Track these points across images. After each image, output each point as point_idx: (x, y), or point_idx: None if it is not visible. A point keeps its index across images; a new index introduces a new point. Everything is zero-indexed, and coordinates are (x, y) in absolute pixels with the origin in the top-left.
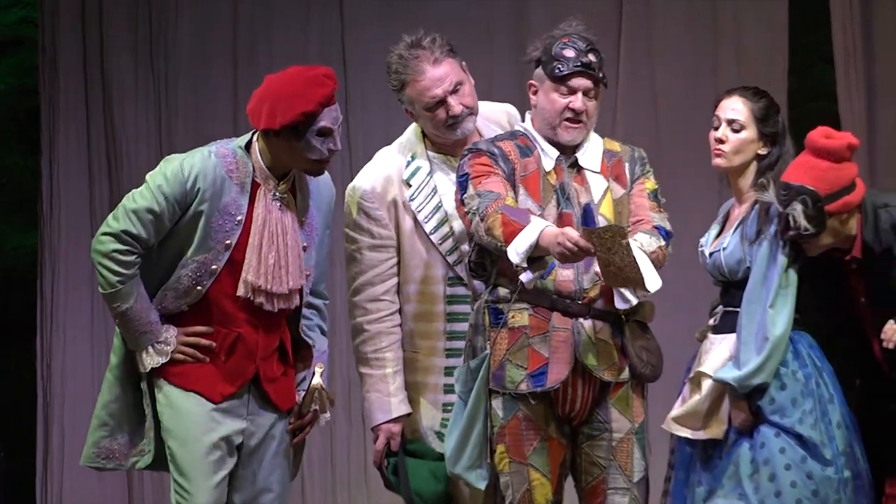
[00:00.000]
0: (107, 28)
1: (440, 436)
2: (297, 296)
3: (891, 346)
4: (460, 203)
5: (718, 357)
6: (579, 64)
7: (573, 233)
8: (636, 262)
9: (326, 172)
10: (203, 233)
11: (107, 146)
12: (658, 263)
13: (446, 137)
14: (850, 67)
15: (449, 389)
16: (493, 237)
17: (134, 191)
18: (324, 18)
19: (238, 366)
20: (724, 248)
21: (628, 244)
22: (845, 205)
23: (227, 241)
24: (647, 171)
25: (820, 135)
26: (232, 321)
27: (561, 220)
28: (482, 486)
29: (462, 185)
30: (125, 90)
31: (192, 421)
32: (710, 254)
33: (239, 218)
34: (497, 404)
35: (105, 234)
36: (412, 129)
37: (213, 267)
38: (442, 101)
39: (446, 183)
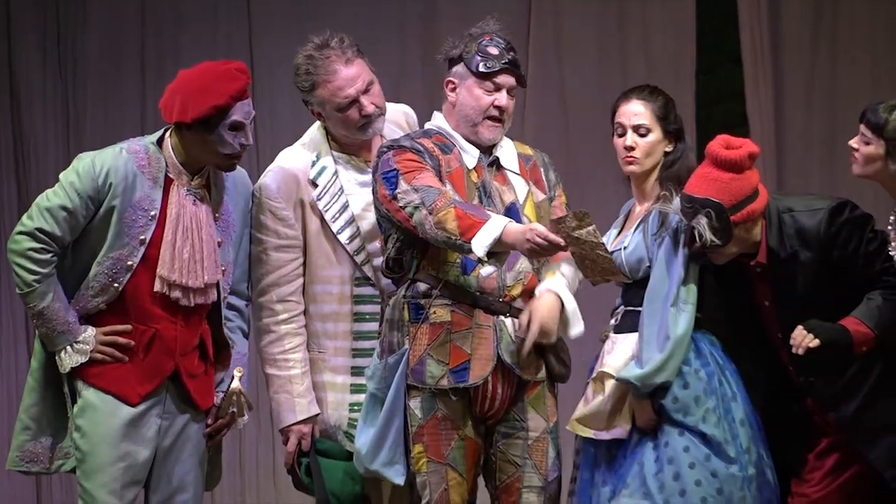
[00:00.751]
0: (14, 28)
1: (348, 436)
2: (214, 290)
3: (800, 351)
4: (391, 198)
5: (620, 356)
6: (506, 61)
7: (541, 227)
8: (605, 245)
9: (243, 170)
10: (116, 229)
11: (14, 146)
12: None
13: (355, 138)
14: (757, 67)
15: (356, 389)
16: (446, 231)
17: (47, 190)
18: (231, 22)
19: (156, 362)
20: (624, 248)
21: (595, 229)
22: (750, 213)
23: (142, 237)
24: (559, 181)
25: (720, 145)
26: (150, 318)
27: None
28: (401, 481)
29: (391, 181)
30: (33, 90)
31: (106, 426)
32: (613, 252)
33: (153, 213)
34: (415, 404)
35: (20, 233)
36: (315, 129)
37: (129, 263)
38: (355, 101)
39: (352, 183)
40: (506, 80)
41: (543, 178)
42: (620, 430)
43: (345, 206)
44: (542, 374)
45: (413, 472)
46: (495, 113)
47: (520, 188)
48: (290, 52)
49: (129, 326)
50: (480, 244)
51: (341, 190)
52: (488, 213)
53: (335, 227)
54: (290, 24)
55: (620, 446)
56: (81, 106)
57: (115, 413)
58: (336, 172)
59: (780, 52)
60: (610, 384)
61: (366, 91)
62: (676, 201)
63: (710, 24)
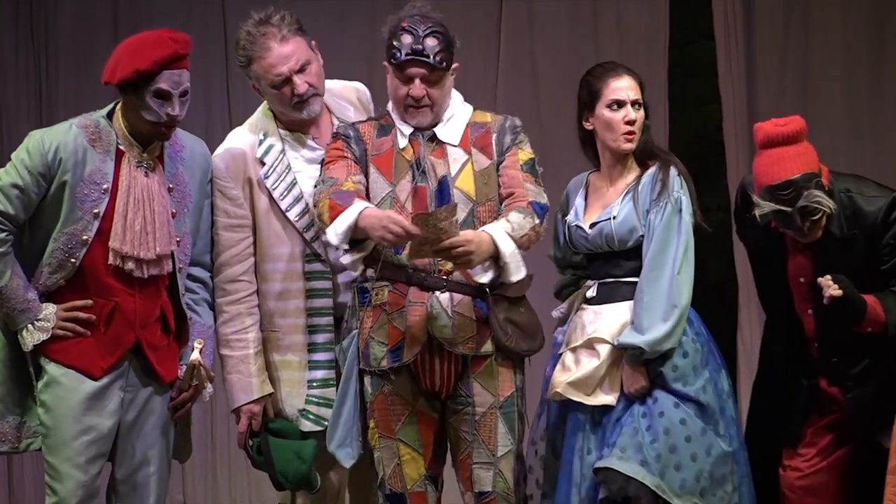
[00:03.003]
0: None
1: (305, 413)
2: (169, 261)
3: (833, 292)
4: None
5: (613, 324)
6: (410, 52)
7: (399, 217)
8: (458, 233)
9: (201, 141)
10: (69, 204)
11: None
12: (530, 242)
13: (292, 116)
14: (730, 43)
15: (314, 366)
16: (322, 221)
17: None
18: None
19: (117, 335)
20: (613, 217)
21: (457, 220)
22: (827, 177)
23: (95, 211)
24: (520, 141)
25: (775, 125)
26: (108, 291)
27: (416, 195)
28: (348, 464)
29: (320, 172)
30: (5, 67)
31: (69, 400)
32: (593, 224)
33: (105, 186)
34: (367, 381)
35: None
36: (262, 108)
37: (84, 237)
38: (287, 80)
39: (299, 160)
40: (414, 70)
41: (493, 142)
42: (612, 398)
43: (292, 184)
44: (488, 347)
45: (371, 449)
46: (411, 102)
47: (456, 160)
48: None
49: (89, 301)
50: (335, 232)
51: (288, 168)
52: (356, 200)
53: (283, 205)
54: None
55: (605, 413)
56: (54, 79)
57: (78, 387)
58: (283, 150)
59: (752, 28)
60: (605, 349)
61: (300, 70)
62: (759, 200)
63: (682, 0)
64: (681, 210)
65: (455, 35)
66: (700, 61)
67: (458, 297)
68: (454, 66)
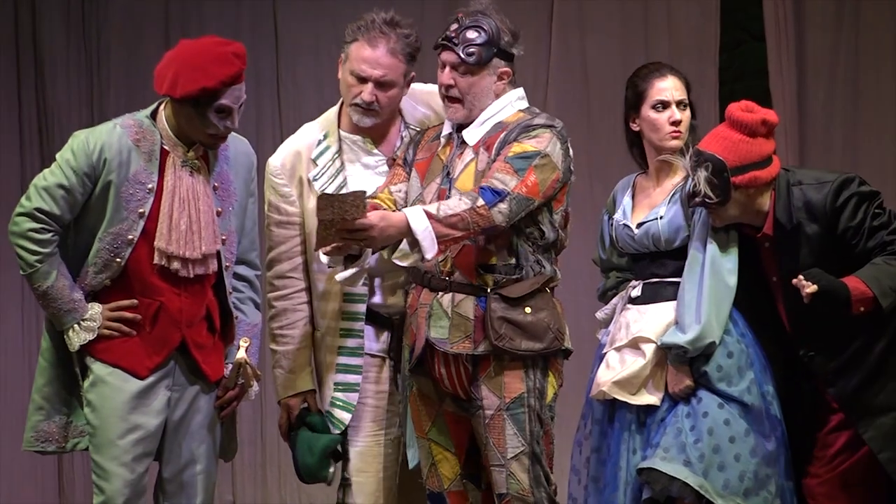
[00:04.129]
0: (39, 1)
1: (329, 415)
2: (214, 260)
3: (808, 290)
4: None
5: (658, 323)
6: (444, 37)
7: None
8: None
9: (244, 140)
10: (115, 204)
11: (38, 118)
12: (468, 224)
13: (351, 120)
14: (781, 44)
15: (342, 369)
16: None
17: (45, 170)
18: None
19: (163, 334)
20: (660, 217)
21: (364, 206)
22: (752, 179)
23: (140, 210)
24: (524, 136)
25: (739, 107)
26: (153, 291)
27: (440, 198)
28: (412, 464)
29: None
30: (57, 62)
31: (115, 399)
32: (640, 224)
33: (150, 186)
34: (406, 381)
35: (19, 214)
36: (335, 108)
37: (130, 237)
38: (364, 80)
39: (356, 164)
40: (444, 57)
41: (499, 140)
42: (657, 397)
43: (340, 187)
44: (485, 347)
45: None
46: (442, 91)
47: (465, 160)
48: (313, 22)
49: (134, 301)
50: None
51: (339, 171)
52: None
53: None
54: None
55: (651, 413)
56: (105, 76)
57: (124, 386)
58: (339, 152)
59: (803, 28)
60: (650, 349)
61: (380, 84)
62: (688, 157)
63: (733, 1)
64: None
65: (509, 39)
66: (751, 62)
67: (459, 297)
68: (500, 69)
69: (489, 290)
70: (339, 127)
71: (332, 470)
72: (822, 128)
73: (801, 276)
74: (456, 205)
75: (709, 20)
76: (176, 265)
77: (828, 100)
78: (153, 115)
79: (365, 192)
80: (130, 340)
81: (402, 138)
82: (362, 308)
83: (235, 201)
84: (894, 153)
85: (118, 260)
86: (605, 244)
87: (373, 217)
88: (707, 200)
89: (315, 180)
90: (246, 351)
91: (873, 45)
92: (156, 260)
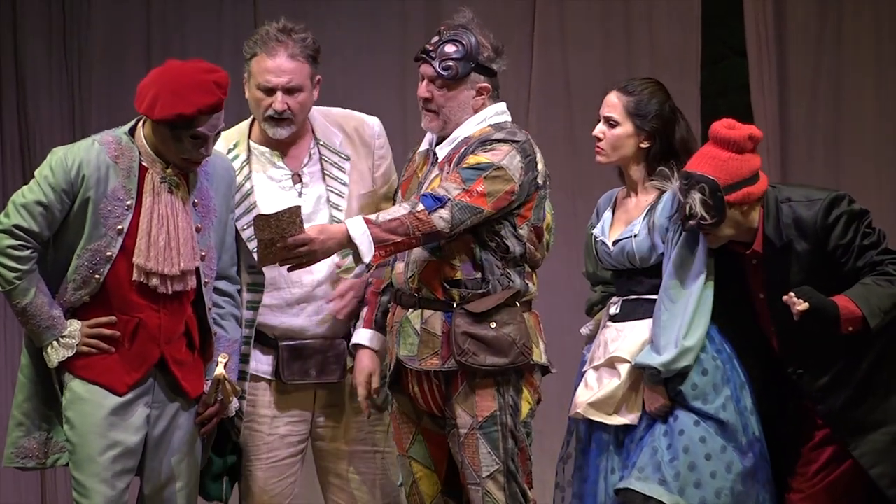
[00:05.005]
0: (20, 19)
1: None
2: (193, 277)
3: (798, 308)
4: None
5: (634, 342)
6: (422, 49)
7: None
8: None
9: (225, 155)
10: (93, 220)
11: (20, 137)
12: (408, 228)
13: (262, 131)
14: (762, 59)
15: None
16: None
17: (23, 187)
18: (237, 12)
19: (142, 351)
20: (634, 235)
21: (301, 221)
22: (745, 196)
23: (119, 227)
24: (480, 149)
25: (722, 125)
26: (132, 307)
27: None
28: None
29: None
30: (39, 81)
31: (94, 416)
32: (616, 242)
33: (129, 202)
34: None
35: None
36: (247, 121)
37: (108, 254)
38: (272, 91)
39: (262, 175)
40: (422, 69)
41: (458, 154)
42: (633, 417)
43: (248, 194)
44: (452, 363)
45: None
46: (420, 103)
47: (432, 175)
48: None
49: (113, 318)
50: None
51: (247, 177)
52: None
53: (235, 215)
54: (297, 14)
55: (628, 433)
56: (87, 94)
57: (103, 403)
58: (247, 161)
59: (784, 44)
60: (625, 368)
61: (288, 91)
62: (675, 180)
63: (715, 17)
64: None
65: (489, 54)
66: (733, 78)
67: (427, 313)
68: (479, 84)
69: (455, 306)
70: (249, 138)
71: (224, 488)
72: (804, 144)
73: (791, 294)
74: (396, 210)
75: (690, 36)
76: (154, 282)
77: (810, 116)
78: (132, 132)
79: (299, 207)
80: (109, 357)
81: (310, 154)
82: (254, 315)
83: (215, 217)
84: (876, 169)
85: (97, 276)
86: (596, 259)
87: (311, 231)
88: (702, 222)
89: None
90: (225, 367)
91: (855, 61)
92: (134, 276)
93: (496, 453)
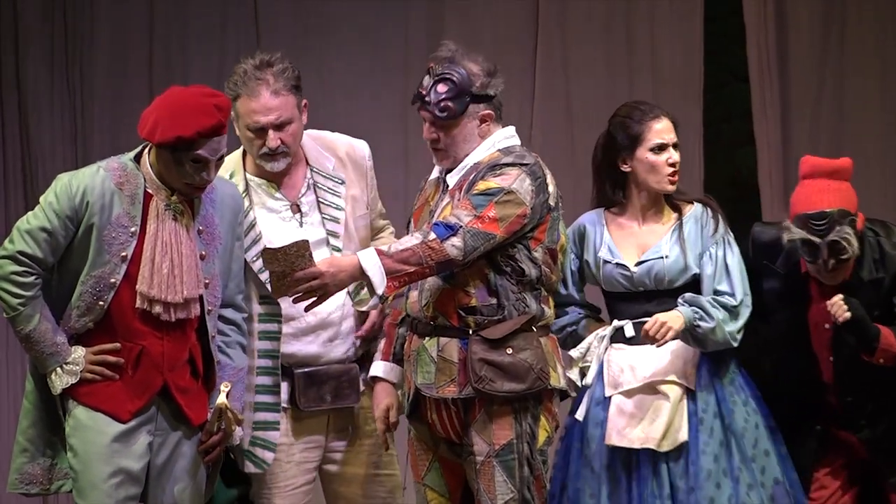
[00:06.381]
0: (22, 43)
1: (248, 455)
2: (197, 305)
3: (838, 320)
4: None
5: (674, 363)
6: (417, 95)
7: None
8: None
9: (232, 182)
10: (97, 247)
11: (23, 162)
12: (421, 258)
13: (257, 162)
14: (764, 85)
15: (259, 408)
16: None
17: (28, 213)
18: (240, 36)
19: (145, 379)
20: (665, 257)
21: (310, 255)
22: (862, 222)
23: (123, 254)
24: (490, 174)
25: (820, 160)
26: (135, 334)
27: None
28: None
29: None
30: (41, 106)
31: (97, 443)
32: (639, 263)
33: (133, 229)
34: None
35: (2, 257)
36: (238, 151)
37: (112, 280)
38: (263, 130)
39: (262, 209)
40: (422, 114)
41: (469, 181)
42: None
43: (252, 226)
44: (469, 390)
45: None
46: (428, 145)
47: (443, 203)
48: (298, 63)
49: (117, 345)
50: None
51: (248, 209)
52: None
53: (249, 255)
54: (299, 38)
55: (661, 456)
56: (89, 119)
57: (106, 430)
58: (246, 192)
59: (787, 70)
60: (673, 391)
61: (278, 127)
62: (793, 226)
63: (717, 43)
64: (731, 243)
65: (483, 81)
66: (737, 104)
67: (444, 340)
68: (481, 113)
69: (471, 332)
70: (244, 169)
71: None
72: None
73: (838, 298)
74: (408, 240)
75: (693, 61)
76: (158, 309)
77: (812, 141)
78: (138, 158)
79: (307, 241)
80: (113, 384)
81: (307, 184)
82: (276, 346)
83: (220, 245)
84: (880, 197)
85: (101, 303)
86: (572, 280)
87: (321, 265)
88: (841, 257)
89: None
90: (227, 396)
91: (857, 88)
92: (138, 304)
93: (512, 482)
